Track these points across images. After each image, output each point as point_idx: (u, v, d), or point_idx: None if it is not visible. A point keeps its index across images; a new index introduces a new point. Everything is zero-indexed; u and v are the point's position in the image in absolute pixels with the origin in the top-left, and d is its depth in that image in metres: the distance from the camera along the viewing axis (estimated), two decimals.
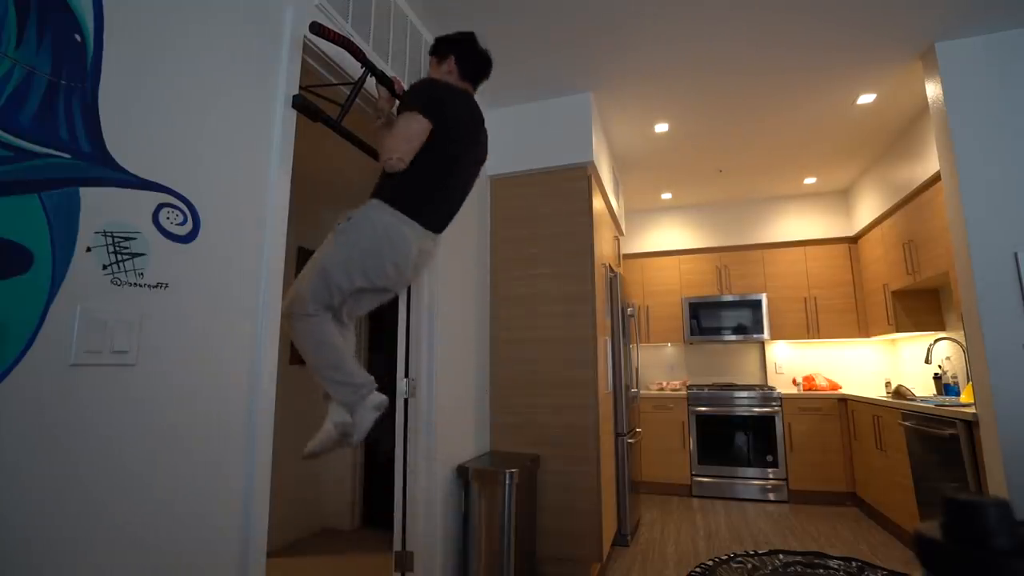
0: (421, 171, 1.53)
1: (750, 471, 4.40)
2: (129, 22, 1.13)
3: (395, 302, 1.72)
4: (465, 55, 1.73)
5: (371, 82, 1.87)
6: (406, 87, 1.76)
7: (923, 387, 3.99)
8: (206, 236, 1.28)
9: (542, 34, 2.62)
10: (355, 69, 1.85)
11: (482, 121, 1.77)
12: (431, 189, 1.58)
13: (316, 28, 1.63)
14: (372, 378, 1.54)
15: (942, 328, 3.81)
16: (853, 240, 4.75)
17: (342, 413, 1.49)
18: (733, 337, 4.87)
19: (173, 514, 1.17)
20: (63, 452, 0.97)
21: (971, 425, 2.59)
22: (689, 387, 4.86)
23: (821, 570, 2.81)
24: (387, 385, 1.77)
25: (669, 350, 5.35)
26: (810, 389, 4.59)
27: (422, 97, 1.56)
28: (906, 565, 2.90)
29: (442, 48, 1.75)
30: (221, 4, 1.38)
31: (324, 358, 1.49)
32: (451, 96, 1.61)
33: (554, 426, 2.88)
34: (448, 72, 1.72)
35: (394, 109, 1.85)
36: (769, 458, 4.37)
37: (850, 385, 4.72)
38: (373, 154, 1.90)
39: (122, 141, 1.10)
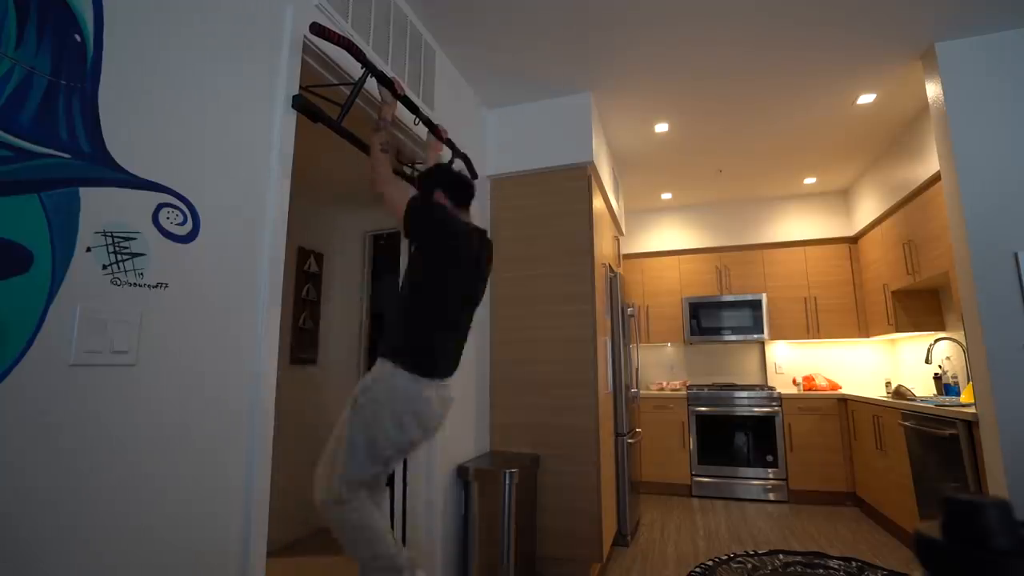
0: (425, 320, 1.54)
1: (750, 471, 4.40)
2: (129, 22, 1.13)
3: (395, 302, 1.72)
4: (448, 183, 1.74)
5: (371, 82, 1.87)
6: (406, 88, 1.77)
7: (923, 387, 3.99)
8: (206, 236, 1.28)
9: (542, 34, 2.62)
10: (355, 69, 1.85)
11: (488, 248, 1.80)
12: (438, 337, 1.56)
13: (316, 28, 1.63)
14: (410, 556, 1.50)
15: (942, 328, 3.81)
16: (853, 240, 4.75)
17: None
18: (733, 337, 4.87)
19: (173, 514, 1.17)
20: (63, 452, 0.97)
21: (971, 425, 2.59)
22: (689, 387, 4.86)
23: (821, 570, 2.80)
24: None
25: (669, 350, 5.35)
26: (810, 389, 4.59)
27: (430, 214, 1.60)
28: (906, 565, 2.89)
29: (424, 187, 1.75)
30: (221, 4, 1.38)
31: (364, 544, 1.44)
32: (450, 220, 1.64)
33: (554, 426, 2.88)
34: (440, 201, 1.72)
35: (396, 115, 1.86)
36: (769, 458, 4.37)
37: (850, 385, 4.72)
38: None
39: (122, 141, 1.10)
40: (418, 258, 1.60)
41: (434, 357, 1.54)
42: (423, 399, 1.49)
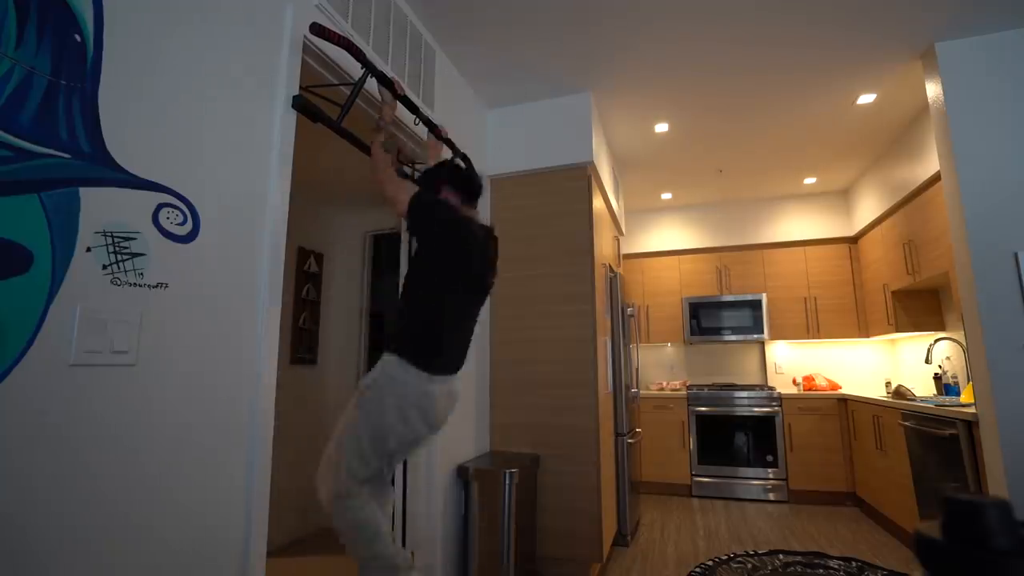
0: (432, 317, 1.53)
1: (750, 471, 4.40)
2: (129, 22, 1.13)
3: (395, 300, 1.71)
4: (455, 178, 1.72)
5: (371, 82, 1.87)
6: (406, 89, 1.76)
7: (923, 387, 3.99)
8: (206, 236, 1.28)
9: (542, 33, 2.62)
10: (355, 69, 1.85)
11: (495, 244, 1.78)
12: (445, 333, 1.55)
13: (316, 29, 1.63)
14: (409, 556, 1.51)
15: (942, 328, 3.81)
16: (853, 240, 4.75)
17: None
18: (733, 337, 4.87)
19: (173, 513, 1.17)
20: (63, 452, 0.97)
21: (971, 425, 2.59)
22: (689, 387, 4.86)
23: (821, 570, 2.80)
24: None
25: (669, 350, 5.35)
26: (810, 389, 4.59)
27: (428, 206, 1.57)
28: (906, 565, 2.89)
29: (431, 181, 1.73)
30: (221, 4, 1.38)
31: (363, 543, 1.44)
32: (455, 219, 1.62)
33: (554, 426, 2.88)
34: (448, 197, 1.71)
35: (396, 115, 1.85)
36: (769, 458, 4.37)
37: (850, 385, 4.72)
38: None
39: (122, 141, 1.10)
40: (423, 253, 1.59)
41: (441, 352, 1.53)
42: (428, 394, 1.48)
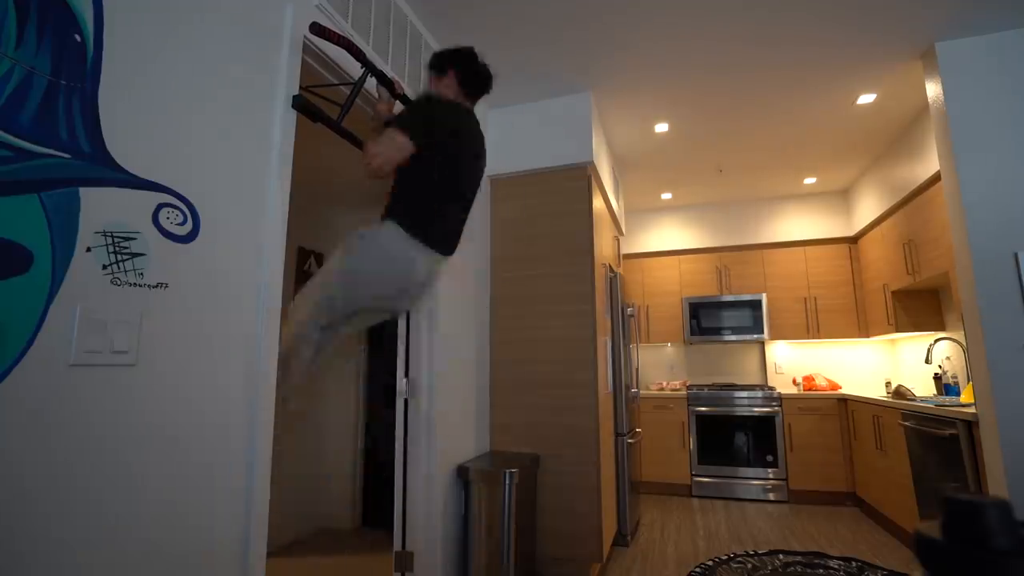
0: (421, 186, 1.53)
1: (750, 471, 4.40)
2: (129, 22, 1.13)
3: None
4: (465, 70, 1.70)
5: (371, 82, 1.87)
6: (406, 88, 1.76)
7: (923, 387, 3.99)
8: (206, 236, 1.28)
9: (542, 33, 2.62)
10: (355, 69, 1.85)
11: (482, 137, 1.76)
12: (433, 204, 1.57)
13: (316, 28, 1.63)
14: (290, 389, 1.59)
15: (942, 328, 3.81)
16: (853, 240, 4.75)
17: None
18: (733, 337, 4.87)
19: (173, 514, 1.17)
20: (63, 452, 0.97)
21: (971, 425, 2.59)
22: (689, 387, 4.86)
23: (821, 570, 2.80)
24: (387, 385, 1.77)
25: (669, 350, 5.35)
26: (810, 389, 4.59)
27: (415, 118, 1.55)
28: (906, 565, 2.89)
29: (441, 63, 1.72)
30: (221, 4, 1.38)
31: (282, 368, 1.53)
32: (447, 113, 1.60)
33: (554, 426, 2.88)
34: (448, 87, 1.70)
35: (393, 112, 1.85)
36: (769, 458, 4.37)
37: (850, 385, 4.72)
38: None
39: (122, 141, 1.10)
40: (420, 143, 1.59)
41: (431, 221, 1.55)
42: (411, 259, 1.51)
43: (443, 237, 1.61)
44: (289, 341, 1.52)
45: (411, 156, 1.50)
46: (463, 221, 1.72)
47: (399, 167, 1.51)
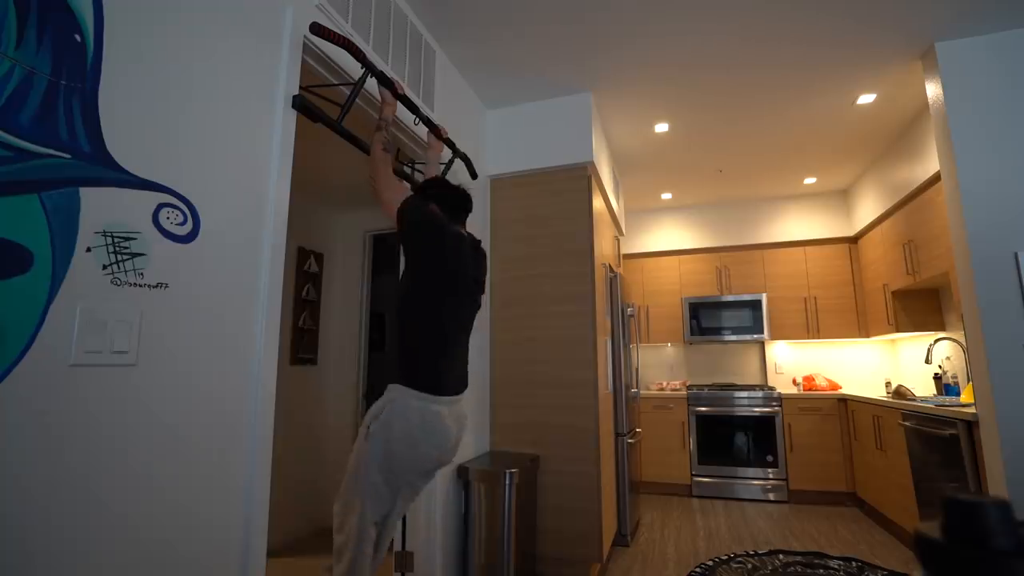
0: (427, 332, 1.52)
1: (750, 471, 4.40)
2: (129, 22, 1.13)
3: (396, 299, 1.70)
4: (441, 198, 1.68)
5: (371, 83, 1.87)
6: (406, 89, 1.76)
7: (923, 387, 3.99)
8: (206, 236, 1.28)
9: (542, 33, 2.62)
10: (355, 69, 1.85)
11: (482, 259, 1.77)
12: (442, 348, 1.55)
13: (316, 28, 1.63)
14: None
15: (942, 328, 3.81)
16: (853, 240, 4.75)
17: None
18: (733, 337, 4.87)
19: (173, 514, 1.17)
20: (63, 452, 0.97)
21: (971, 425, 2.59)
22: (689, 387, 4.86)
23: (821, 570, 2.80)
24: (386, 385, 1.76)
25: (669, 350, 5.35)
26: (810, 389, 4.59)
27: (418, 211, 1.57)
28: (906, 565, 2.89)
29: (425, 195, 1.71)
30: (221, 4, 1.38)
31: (353, 571, 1.51)
32: (449, 228, 1.61)
33: (554, 426, 2.88)
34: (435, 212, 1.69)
35: (396, 115, 1.85)
36: (769, 458, 4.37)
37: (850, 385, 4.72)
38: None
39: (122, 141, 1.10)
40: (410, 261, 1.58)
41: (440, 371, 1.52)
42: (434, 414, 1.47)
43: (456, 378, 1.60)
44: (340, 551, 1.50)
45: (413, 288, 1.53)
46: (467, 344, 1.70)
47: (403, 317, 1.52)
